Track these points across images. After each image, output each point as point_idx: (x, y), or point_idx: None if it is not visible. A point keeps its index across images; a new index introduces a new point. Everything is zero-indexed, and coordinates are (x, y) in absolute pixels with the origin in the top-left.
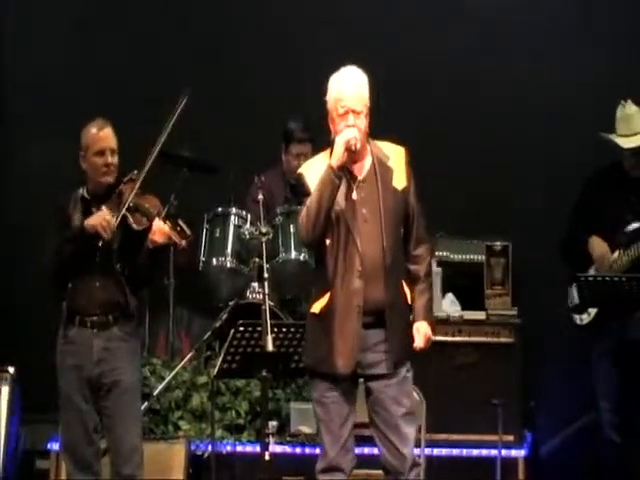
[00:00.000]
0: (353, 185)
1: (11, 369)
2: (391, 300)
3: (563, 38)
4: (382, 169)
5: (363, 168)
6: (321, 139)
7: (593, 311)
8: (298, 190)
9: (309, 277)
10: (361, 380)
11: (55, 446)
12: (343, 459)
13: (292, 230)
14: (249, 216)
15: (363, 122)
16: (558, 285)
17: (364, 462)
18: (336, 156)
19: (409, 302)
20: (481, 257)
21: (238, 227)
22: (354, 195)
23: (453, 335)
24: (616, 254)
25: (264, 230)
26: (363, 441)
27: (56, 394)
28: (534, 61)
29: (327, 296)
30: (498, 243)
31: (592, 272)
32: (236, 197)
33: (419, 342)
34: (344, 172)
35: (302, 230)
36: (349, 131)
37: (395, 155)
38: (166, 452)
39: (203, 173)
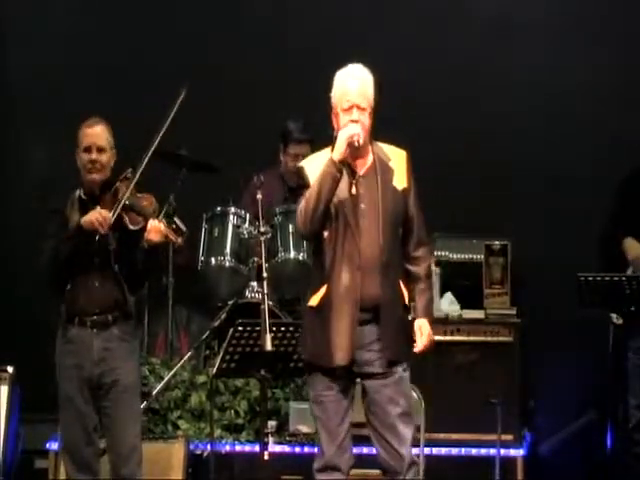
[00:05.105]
0: (353, 180)
1: (10, 369)
2: (386, 297)
3: (563, 38)
4: (383, 168)
5: (364, 165)
6: (321, 140)
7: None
8: (298, 183)
9: (308, 276)
10: (358, 380)
11: (54, 446)
12: (340, 458)
13: (291, 230)
14: (248, 215)
15: (367, 119)
16: (557, 284)
17: (362, 462)
18: (338, 150)
19: (406, 302)
20: (480, 256)
21: (237, 226)
22: (353, 190)
23: (452, 334)
24: None
25: (263, 229)
26: (361, 441)
27: (55, 394)
28: (534, 61)
29: (324, 289)
30: (497, 242)
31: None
32: (237, 197)
33: (423, 340)
34: (345, 166)
35: (300, 221)
36: (353, 127)
37: (396, 157)
38: (165, 452)
39: (202, 172)
